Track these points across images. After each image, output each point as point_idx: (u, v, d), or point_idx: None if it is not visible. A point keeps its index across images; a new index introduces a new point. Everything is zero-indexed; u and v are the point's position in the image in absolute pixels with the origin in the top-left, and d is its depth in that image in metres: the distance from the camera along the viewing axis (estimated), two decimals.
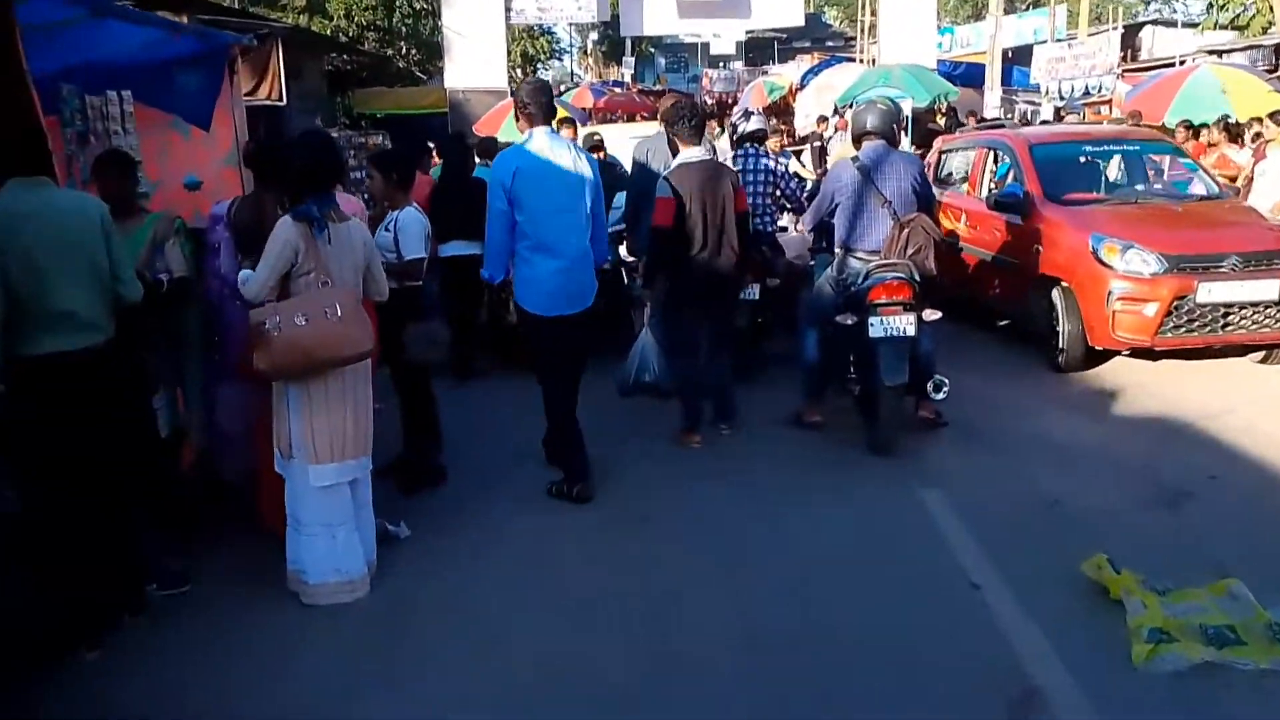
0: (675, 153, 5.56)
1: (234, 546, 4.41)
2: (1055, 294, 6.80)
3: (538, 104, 4.74)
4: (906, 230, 5.27)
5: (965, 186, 8.68)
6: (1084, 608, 3.65)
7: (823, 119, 16.47)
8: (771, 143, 8.93)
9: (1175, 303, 6.22)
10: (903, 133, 8.21)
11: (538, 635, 3.68)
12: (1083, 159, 8.06)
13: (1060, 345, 6.73)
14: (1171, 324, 6.27)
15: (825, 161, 11.18)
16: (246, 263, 4.24)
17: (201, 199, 6.19)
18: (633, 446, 5.57)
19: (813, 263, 7.34)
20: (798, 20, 23.29)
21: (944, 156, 9.48)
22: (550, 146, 4.71)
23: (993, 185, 8.20)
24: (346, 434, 3.96)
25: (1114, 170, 8.29)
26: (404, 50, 28.58)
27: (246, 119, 16.86)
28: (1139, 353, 6.75)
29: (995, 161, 8.34)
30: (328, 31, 25.20)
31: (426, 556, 4.34)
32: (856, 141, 5.62)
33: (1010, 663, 3.35)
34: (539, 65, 38.17)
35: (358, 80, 24.58)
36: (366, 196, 6.24)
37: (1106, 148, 8.22)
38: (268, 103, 16.21)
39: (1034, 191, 7.29)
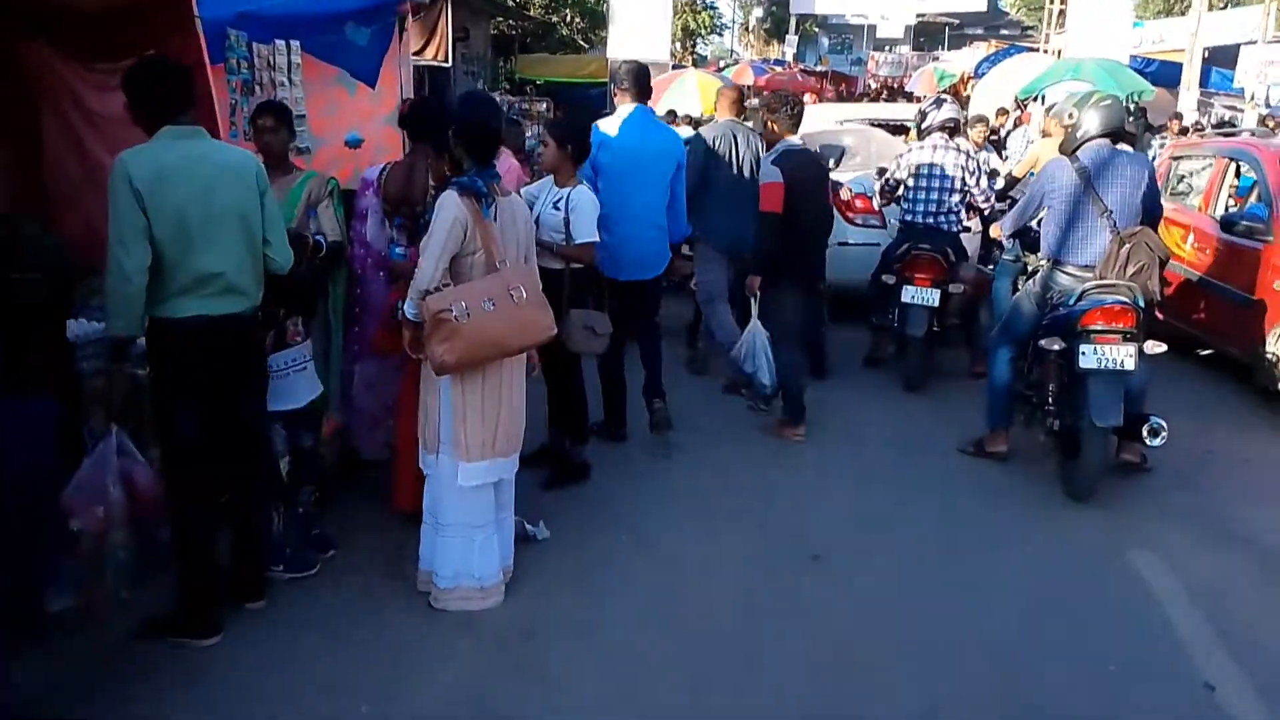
0: (770, 143, 5.60)
1: (366, 530, 4.16)
2: None
3: (634, 82, 5.20)
4: (1128, 246, 4.59)
5: (1198, 200, 7.34)
6: None
7: (1003, 111, 15.41)
8: (975, 133, 8.31)
9: None
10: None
11: (677, 673, 3.28)
12: None
13: None
14: None
15: (1001, 157, 10.23)
16: (397, 234, 3.96)
17: (363, 157, 5.99)
18: (757, 449, 5.16)
19: (992, 267, 6.70)
20: (978, 4, 22.00)
21: (1175, 164, 8.03)
22: (640, 122, 5.14)
23: (1231, 203, 7.09)
24: (499, 430, 3.64)
25: None
26: (569, 18, 28.47)
27: (420, 78, 17.21)
28: None
29: (1238, 175, 7.14)
30: None
31: (565, 564, 3.99)
32: (1073, 148, 4.90)
33: None
34: (699, 39, 37.58)
35: (522, 45, 24.60)
36: (537, 167, 5.98)
37: None
38: (434, 63, 16.33)
39: None
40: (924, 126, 6.43)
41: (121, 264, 3.10)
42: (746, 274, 5.62)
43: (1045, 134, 7.69)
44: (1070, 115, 5.03)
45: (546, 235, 4.59)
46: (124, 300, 3.14)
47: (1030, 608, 3.73)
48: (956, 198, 6.24)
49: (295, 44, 5.55)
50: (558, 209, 4.57)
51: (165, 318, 3.22)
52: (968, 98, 19.48)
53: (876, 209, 7.36)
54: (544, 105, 12.70)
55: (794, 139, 5.43)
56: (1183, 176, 7.83)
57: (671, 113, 14.53)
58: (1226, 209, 6.96)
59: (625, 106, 5.18)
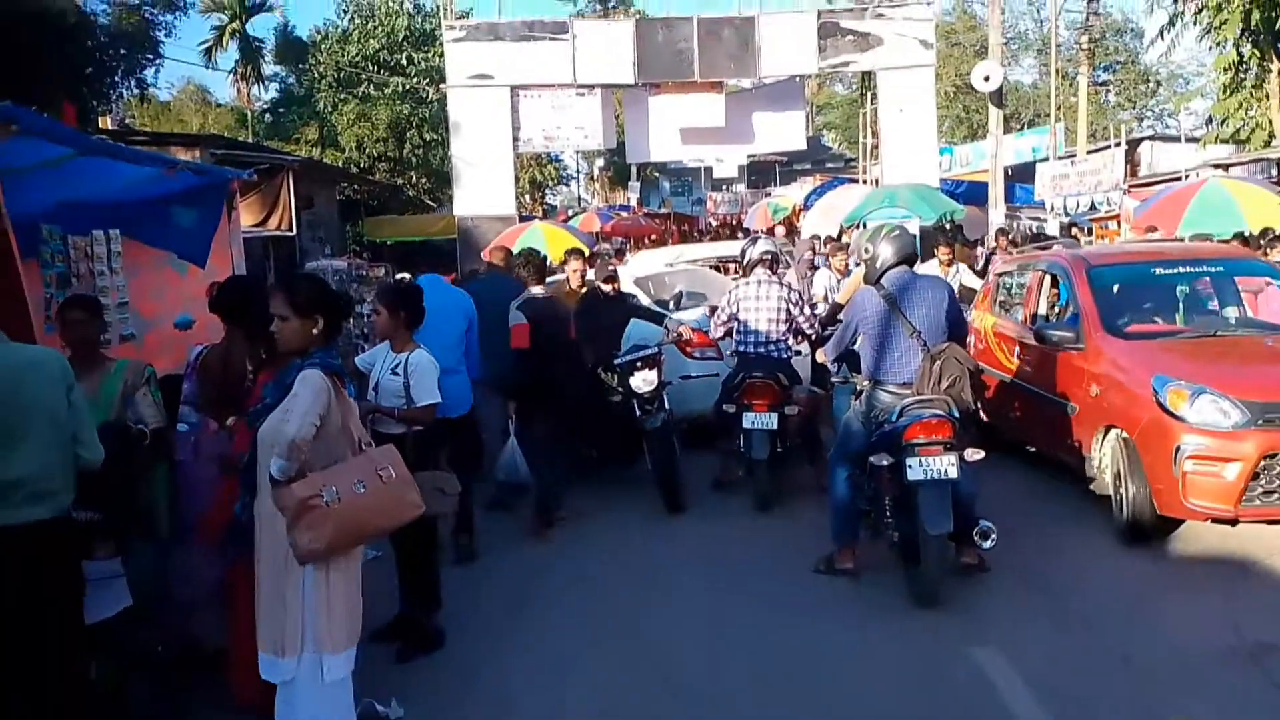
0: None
1: None
2: (1113, 446, 5.70)
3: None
4: (939, 362, 4.92)
5: (1021, 313, 7.49)
6: None
7: (816, 238, 16.29)
8: (836, 261, 9.45)
9: (1263, 463, 4.99)
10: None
11: None
12: (1152, 283, 6.78)
13: (1124, 511, 5.54)
14: (1261, 489, 5.00)
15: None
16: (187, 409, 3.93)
17: (197, 338, 5.91)
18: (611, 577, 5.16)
19: (828, 389, 7.04)
20: (799, 145, 23.53)
21: (1000, 279, 8.31)
22: (432, 286, 5.66)
23: (1049, 313, 7.18)
24: (359, 614, 3.52)
25: (1191, 296, 6.82)
26: (414, 179, 29.02)
27: (265, 248, 17.03)
28: None
29: (1054, 285, 7.17)
30: (340, 163, 25.64)
31: None
32: (875, 278, 5.28)
33: None
34: (547, 191, 38.79)
35: (369, 208, 24.87)
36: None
37: (1182, 269, 6.77)
38: (278, 233, 16.34)
39: (1089, 321, 6.19)
40: (746, 263, 6.82)
41: None
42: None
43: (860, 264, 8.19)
44: (866, 250, 5.42)
45: (386, 400, 4.61)
46: None
47: (880, 710, 3.83)
48: (783, 326, 6.62)
49: (115, 233, 5.52)
50: (397, 374, 4.61)
51: None
52: (800, 228, 20.67)
53: (713, 342, 7.74)
54: (382, 270, 12.72)
55: (537, 289, 6.63)
56: (1009, 290, 8.10)
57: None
58: (1046, 319, 7.09)
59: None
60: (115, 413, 3.92)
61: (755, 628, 4.69)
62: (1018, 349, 7.24)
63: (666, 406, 6.73)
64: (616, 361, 6.70)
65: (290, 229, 16.35)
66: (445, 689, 4.26)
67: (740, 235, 26.72)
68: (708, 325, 7.45)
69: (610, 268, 7.69)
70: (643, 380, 6.59)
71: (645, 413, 6.57)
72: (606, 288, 7.29)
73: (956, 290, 7.16)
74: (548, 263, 8.25)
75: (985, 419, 6.25)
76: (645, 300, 8.87)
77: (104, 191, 5.57)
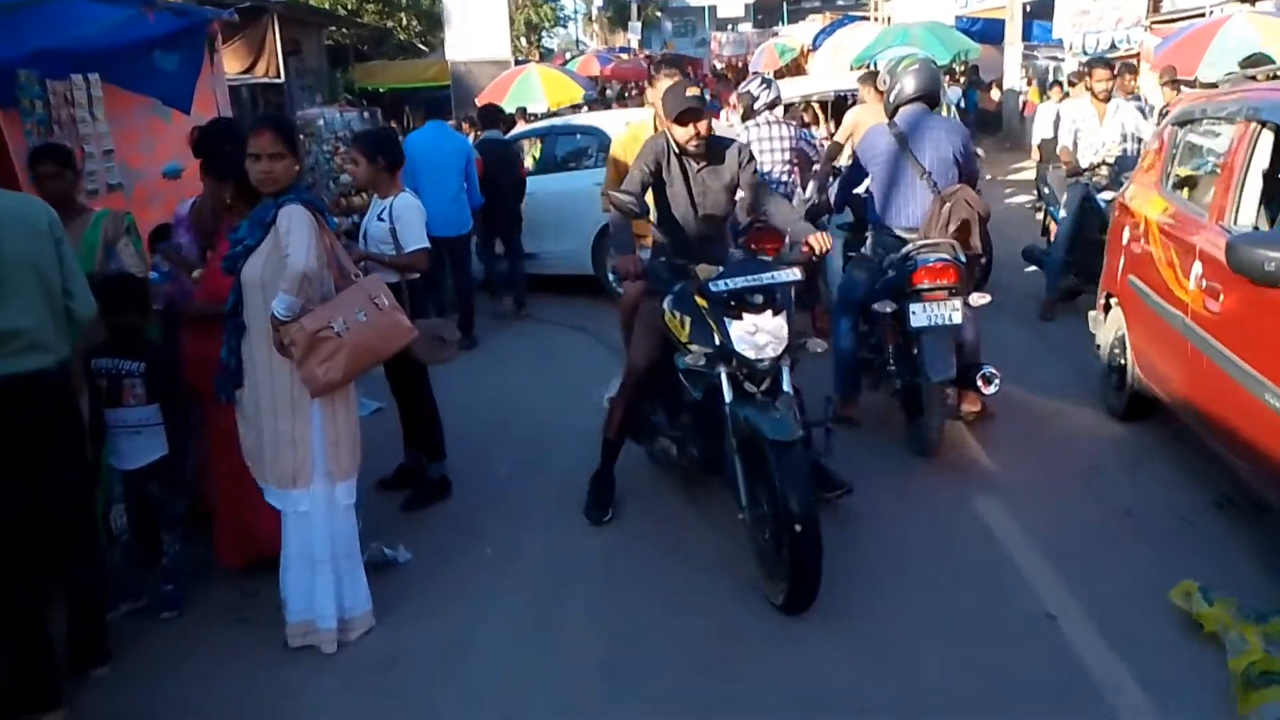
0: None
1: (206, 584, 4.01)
2: None
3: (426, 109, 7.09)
4: (948, 205, 4.77)
5: (1207, 198, 4.23)
6: (1175, 640, 3.21)
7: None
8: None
9: None
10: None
11: (546, 695, 3.25)
12: None
13: None
14: None
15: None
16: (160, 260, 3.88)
17: (186, 187, 5.75)
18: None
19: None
20: None
21: (1179, 134, 4.90)
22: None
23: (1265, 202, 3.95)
24: (358, 438, 3.59)
25: None
26: (404, 22, 27.93)
27: (254, 97, 16.51)
28: None
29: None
30: (326, 5, 24.60)
31: (429, 590, 3.91)
32: (890, 112, 5.10)
33: (1103, 711, 2.92)
34: (543, 33, 37.39)
35: (358, 54, 24.02)
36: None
37: None
38: (265, 80, 15.80)
39: None
40: (755, 108, 6.58)
41: None
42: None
43: (860, 100, 7.91)
44: (884, 81, 5.20)
45: (375, 248, 4.51)
46: None
47: (885, 563, 3.86)
48: (785, 168, 6.46)
49: (94, 77, 5.29)
50: (383, 220, 4.49)
51: None
52: (808, 70, 19.97)
53: None
54: (366, 114, 12.11)
55: (495, 131, 8.63)
56: (1186, 156, 4.88)
57: (521, 110, 14.49)
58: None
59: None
60: (97, 264, 3.83)
61: None
62: (1198, 269, 3.98)
63: (791, 393, 3.81)
64: (713, 286, 3.71)
65: (278, 75, 15.78)
66: (451, 539, 4.32)
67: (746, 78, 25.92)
68: None
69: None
70: (756, 333, 3.66)
71: (751, 403, 3.68)
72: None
73: (1125, 135, 6.97)
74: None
75: (1138, 380, 4.82)
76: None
77: (81, 36, 5.31)
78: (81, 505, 3.39)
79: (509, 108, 15.30)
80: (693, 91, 3.94)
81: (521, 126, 11.78)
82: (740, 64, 29.40)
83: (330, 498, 3.45)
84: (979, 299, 4.71)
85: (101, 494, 3.73)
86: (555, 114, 14.81)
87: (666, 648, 3.41)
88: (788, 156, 6.50)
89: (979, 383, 4.74)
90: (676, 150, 4.09)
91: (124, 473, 3.74)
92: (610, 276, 7.97)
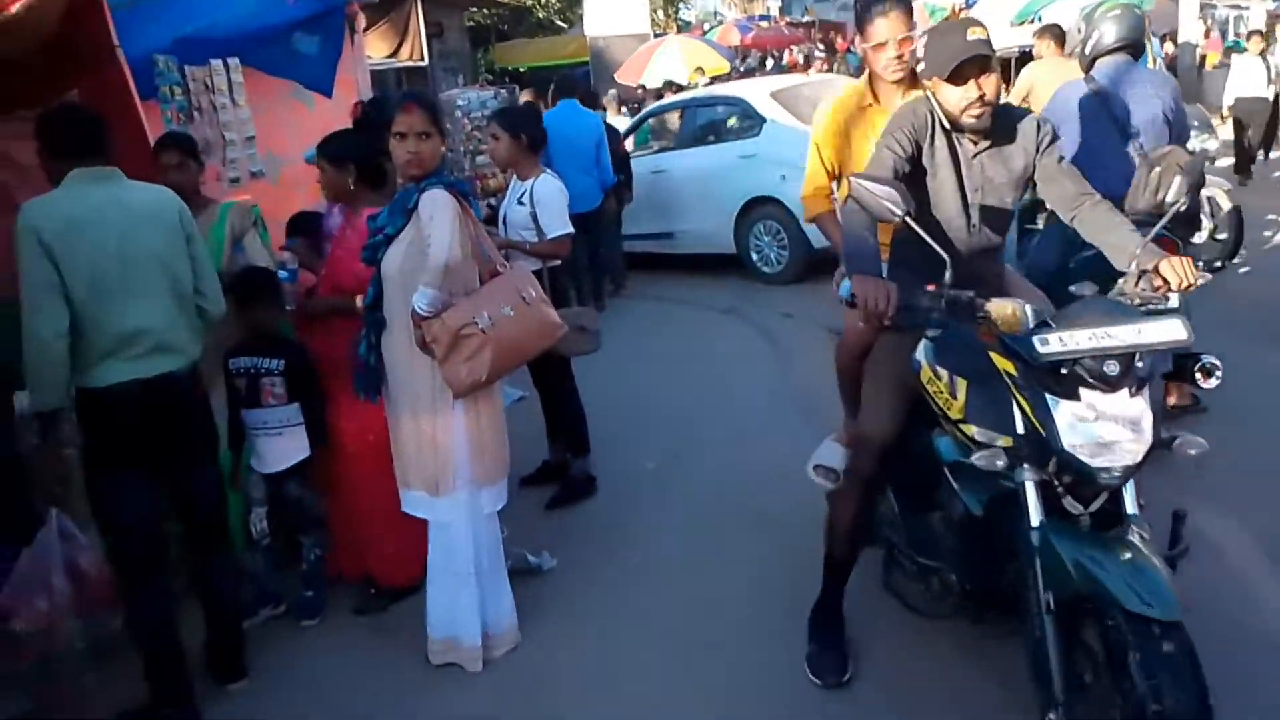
0: None
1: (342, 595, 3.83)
2: None
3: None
4: (1158, 169, 4.14)
5: None
6: None
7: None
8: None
9: None
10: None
11: (705, 712, 2.92)
12: None
13: None
14: None
15: None
16: (290, 257, 3.81)
17: None
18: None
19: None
20: None
21: None
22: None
23: None
24: (506, 441, 3.34)
25: None
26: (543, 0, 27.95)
27: (399, 81, 16.70)
28: None
29: None
30: None
31: (576, 602, 3.62)
32: (1086, 66, 4.48)
33: None
34: (681, 5, 36.83)
35: (499, 34, 24.15)
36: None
37: None
38: (410, 64, 15.94)
39: None
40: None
41: (36, 329, 2.77)
42: None
43: (1037, 56, 7.19)
44: (1079, 30, 4.57)
45: (515, 234, 4.24)
46: (44, 369, 2.80)
47: None
48: None
49: (234, 61, 5.19)
50: (523, 204, 4.21)
51: (90, 386, 2.87)
52: None
53: None
54: (508, 93, 11.88)
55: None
56: None
57: (670, 83, 14.17)
58: None
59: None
60: (225, 260, 3.68)
61: None
62: None
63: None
64: (1039, 345, 2.23)
65: (422, 58, 15.89)
66: (598, 543, 4.03)
67: None
68: None
69: None
70: (1098, 420, 2.25)
71: (1080, 537, 2.36)
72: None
73: None
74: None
75: None
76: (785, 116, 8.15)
77: (220, 22, 5.24)
78: (217, 511, 3.25)
79: (649, 83, 15.02)
80: (976, 33, 2.53)
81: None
82: None
83: (474, 505, 3.20)
84: (1201, 277, 4.08)
85: (237, 498, 3.59)
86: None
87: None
88: None
89: (1198, 375, 4.11)
90: (945, 124, 2.69)
91: (265, 475, 3.59)
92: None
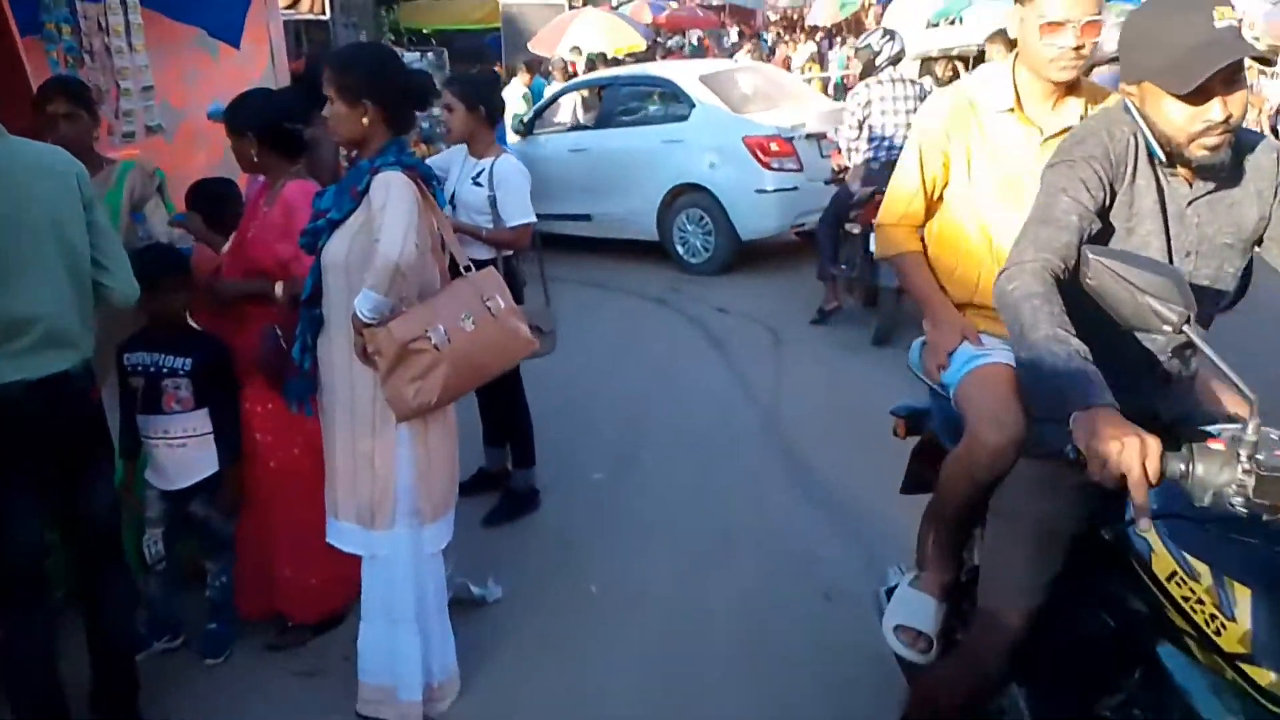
0: None
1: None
2: None
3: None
4: None
5: None
6: None
7: None
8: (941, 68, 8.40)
9: None
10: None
11: None
12: None
13: None
14: None
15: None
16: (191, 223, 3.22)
17: None
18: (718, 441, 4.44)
19: None
20: None
21: None
22: None
23: None
24: (456, 470, 2.90)
25: None
26: None
27: (297, 35, 15.76)
28: None
29: None
30: None
31: (529, 640, 3.21)
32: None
33: None
34: None
35: None
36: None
37: None
38: (309, 16, 14.97)
39: None
40: (876, 63, 5.82)
41: None
42: None
43: (989, 59, 7.06)
44: None
45: (468, 217, 3.79)
46: None
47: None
48: (909, 133, 5.76)
49: (133, 0, 4.53)
50: (479, 184, 3.76)
51: None
52: (869, 26, 18.82)
53: (792, 150, 7.48)
54: (433, 56, 11.24)
55: None
56: None
57: (601, 55, 13.73)
58: None
59: None
60: (123, 232, 3.13)
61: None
62: None
63: None
64: None
65: (323, 11, 14.94)
66: (548, 568, 3.64)
67: (799, 33, 24.81)
68: (789, 133, 7.43)
69: None
70: None
71: None
72: None
73: None
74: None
75: None
76: (715, 102, 7.91)
77: None
78: (112, 533, 2.73)
79: (565, 54, 14.50)
80: (1226, 17, 1.69)
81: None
82: (796, 16, 28.22)
83: (417, 542, 2.75)
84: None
85: (132, 516, 3.06)
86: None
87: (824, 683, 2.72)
88: (912, 120, 5.75)
89: None
90: (1161, 155, 1.84)
91: (165, 493, 3.06)
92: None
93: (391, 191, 2.55)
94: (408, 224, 2.53)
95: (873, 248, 5.41)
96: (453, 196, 3.83)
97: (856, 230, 5.77)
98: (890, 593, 2.46)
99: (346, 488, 2.74)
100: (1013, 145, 2.24)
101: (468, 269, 2.81)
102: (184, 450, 3.01)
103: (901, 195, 2.45)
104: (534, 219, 3.80)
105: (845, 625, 3.20)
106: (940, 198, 2.42)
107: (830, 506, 3.99)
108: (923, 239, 2.48)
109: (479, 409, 4.12)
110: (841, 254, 6.11)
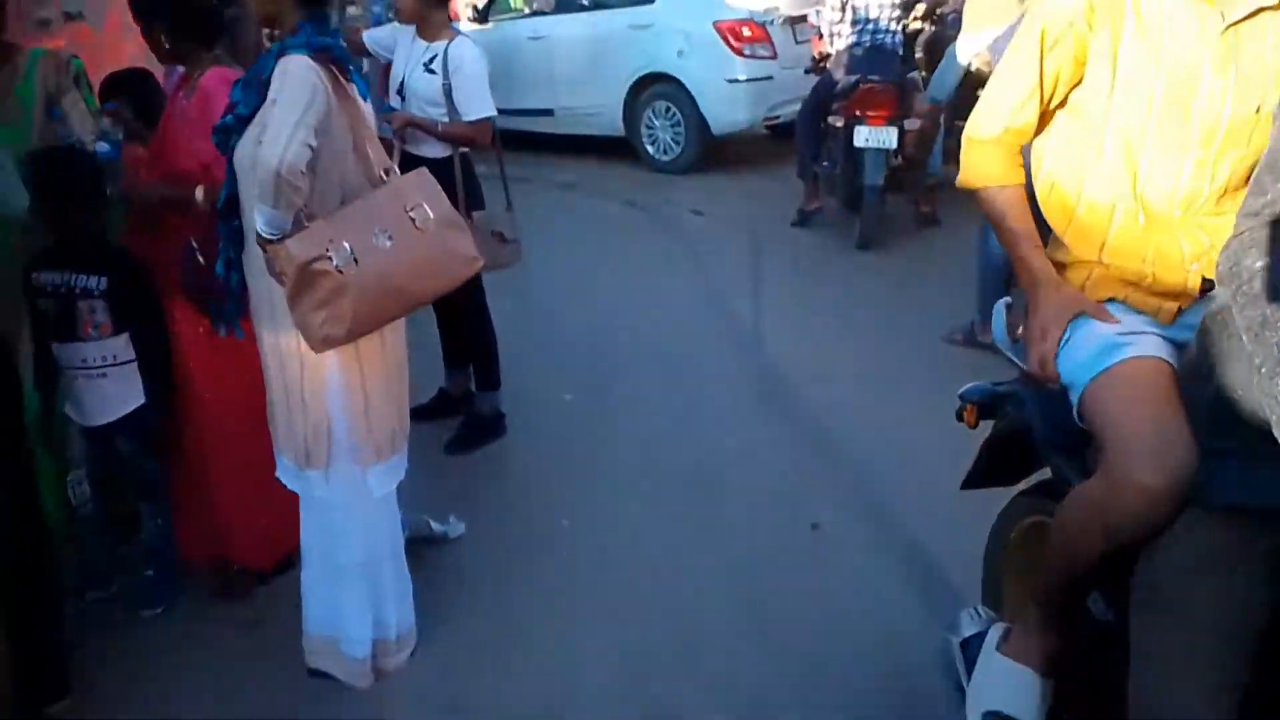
0: None
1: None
2: None
3: None
4: None
5: None
6: None
7: None
8: None
9: None
10: None
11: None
12: None
13: None
14: None
15: None
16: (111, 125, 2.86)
17: None
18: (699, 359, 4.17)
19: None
20: None
21: None
22: None
23: None
24: (406, 405, 2.56)
25: None
26: None
27: None
28: None
29: None
30: None
31: (494, 583, 2.94)
32: None
33: None
34: None
35: None
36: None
37: None
38: None
39: None
40: None
41: None
42: None
43: None
44: None
45: (420, 109, 3.39)
46: None
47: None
48: (895, 16, 5.50)
49: None
50: (433, 71, 3.34)
51: None
52: None
53: (766, 36, 7.16)
54: None
55: None
56: None
57: None
58: None
59: None
60: (36, 130, 2.72)
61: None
62: None
63: None
64: None
65: None
66: (514, 501, 3.37)
67: None
68: (762, 18, 7.18)
69: None
70: None
71: None
72: None
73: None
74: None
75: None
76: None
77: None
78: (23, 481, 2.41)
79: None
80: None
81: None
82: None
83: (358, 485, 2.44)
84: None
85: (49, 456, 2.73)
86: None
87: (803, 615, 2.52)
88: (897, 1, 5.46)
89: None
90: None
91: (86, 429, 2.73)
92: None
93: (286, 80, 2.16)
94: (297, 120, 2.13)
95: (858, 141, 5.19)
96: (401, 85, 3.43)
97: (839, 124, 5.44)
98: (968, 646, 1.89)
99: (283, 421, 2.44)
100: (1181, 33, 1.57)
101: (388, 177, 2.42)
102: (104, 381, 2.67)
103: (1005, 99, 1.76)
104: (494, 112, 3.41)
105: (834, 556, 3.02)
106: (1063, 104, 1.75)
107: (816, 429, 3.75)
108: (1026, 166, 1.83)
109: (438, 326, 3.80)
110: (822, 150, 5.78)
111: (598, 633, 2.72)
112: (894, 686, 2.46)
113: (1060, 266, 1.77)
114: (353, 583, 2.49)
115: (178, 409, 2.80)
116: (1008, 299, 1.95)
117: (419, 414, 3.74)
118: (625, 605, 2.83)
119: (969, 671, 1.83)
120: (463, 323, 3.66)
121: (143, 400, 2.72)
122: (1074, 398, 1.63)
